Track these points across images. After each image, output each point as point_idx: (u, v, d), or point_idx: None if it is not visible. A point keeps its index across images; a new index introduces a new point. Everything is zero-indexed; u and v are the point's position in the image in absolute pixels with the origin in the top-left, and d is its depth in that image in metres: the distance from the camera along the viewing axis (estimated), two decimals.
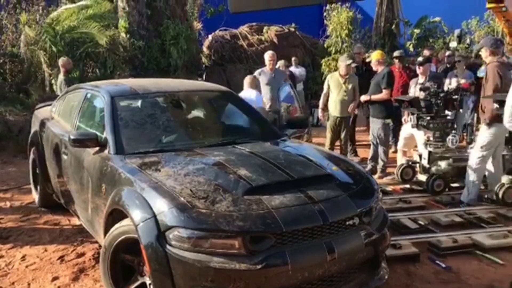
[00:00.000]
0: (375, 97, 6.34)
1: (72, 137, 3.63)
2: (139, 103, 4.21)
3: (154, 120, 4.07)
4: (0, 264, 3.94)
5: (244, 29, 15.69)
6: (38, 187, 5.23)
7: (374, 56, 6.67)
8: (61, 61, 7.71)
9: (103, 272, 3.14)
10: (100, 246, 4.12)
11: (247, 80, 6.62)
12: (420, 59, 6.41)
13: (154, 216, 2.78)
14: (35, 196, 5.42)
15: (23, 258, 4.05)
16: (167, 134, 3.96)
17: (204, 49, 15.01)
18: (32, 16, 10.60)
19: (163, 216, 2.76)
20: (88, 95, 4.41)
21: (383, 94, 6.32)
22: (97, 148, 3.67)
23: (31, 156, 5.35)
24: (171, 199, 2.82)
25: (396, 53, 7.88)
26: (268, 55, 6.97)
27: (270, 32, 15.58)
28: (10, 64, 10.02)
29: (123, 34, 10.89)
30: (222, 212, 2.72)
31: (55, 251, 4.16)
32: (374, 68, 6.60)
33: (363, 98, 6.49)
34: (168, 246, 2.70)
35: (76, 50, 9.72)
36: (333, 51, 13.95)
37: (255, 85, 6.58)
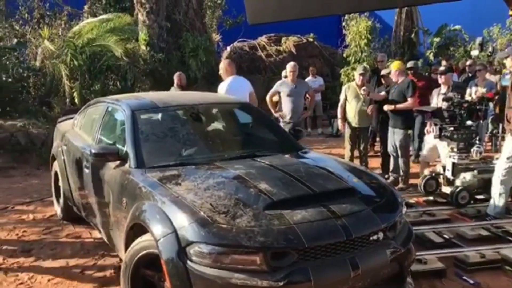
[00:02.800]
0: (400, 106, 6.23)
1: (93, 151, 3.65)
2: (159, 116, 4.22)
3: (174, 134, 4.08)
4: (23, 277, 3.97)
5: (262, 40, 15.75)
6: (60, 200, 5.27)
7: (395, 66, 6.58)
8: (175, 75, 8.03)
9: (123, 287, 3.12)
10: (120, 260, 4.12)
11: (226, 66, 5.94)
12: (442, 68, 6.30)
13: (175, 231, 2.76)
14: (57, 208, 5.47)
15: (46, 271, 4.06)
16: (187, 147, 3.95)
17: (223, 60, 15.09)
18: (55, 30, 10.82)
19: (183, 231, 2.73)
20: (109, 109, 4.44)
21: (410, 103, 6.20)
22: (118, 162, 3.68)
23: (53, 169, 5.40)
24: (192, 213, 2.79)
25: (409, 64, 7.72)
26: (289, 67, 6.94)
27: (289, 42, 15.60)
28: (33, 77, 10.21)
29: (143, 47, 11.03)
30: (243, 228, 2.68)
31: (76, 265, 4.17)
32: (394, 79, 6.50)
33: (387, 107, 6.38)
34: (189, 262, 2.67)
35: (97, 63, 9.85)
36: (352, 60, 13.90)
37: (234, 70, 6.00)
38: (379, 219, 2.95)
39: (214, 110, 4.55)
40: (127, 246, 3.23)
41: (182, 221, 2.77)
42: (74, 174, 4.67)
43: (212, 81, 12.86)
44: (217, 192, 3.02)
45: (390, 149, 6.59)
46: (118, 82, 10.23)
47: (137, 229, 3.13)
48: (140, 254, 3.01)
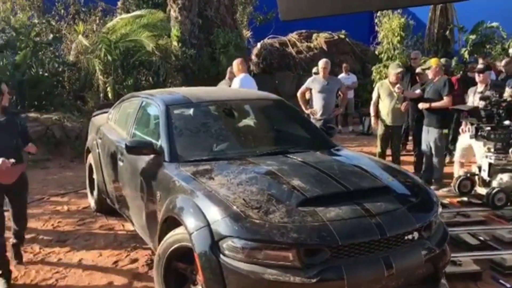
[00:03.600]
0: (436, 104, 6.09)
1: (128, 144, 3.71)
2: (192, 111, 4.26)
3: (207, 129, 4.11)
4: (59, 267, 4.07)
5: (293, 36, 15.67)
6: (94, 192, 5.38)
7: (434, 63, 6.42)
8: (228, 70, 7.98)
9: (156, 279, 3.16)
10: (153, 252, 4.18)
11: (239, 64, 6.45)
12: (480, 66, 6.12)
13: (208, 225, 2.78)
14: (90, 201, 5.58)
15: (80, 262, 4.16)
16: (219, 142, 3.97)
17: (253, 57, 15.10)
18: (89, 26, 11.04)
19: (217, 225, 2.75)
20: (143, 104, 4.50)
21: (446, 101, 6.05)
22: (152, 156, 3.73)
23: (88, 162, 5.51)
24: (225, 208, 2.81)
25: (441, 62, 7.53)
26: (321, 63, 6.90)
27: (320, 39, 15.48)
28: (68, 72, 10.45)
29: (175, 43, 11.13)
30: (276, 223, 2.68)
31: (109, 256, 4.25)
32: (432, 76, 6.35)
33: (422, 105, 6.25)
34: (221, 256, 2.69)
35: (130, 58, 10.00)
36: (385, 58, 13.70)
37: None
38: (414, 218, 2.91)
39: (247, 106, 4.55)
40: (160, 238, 3.27)
41: (215, 215, 2.79)
42: (108, 167, 4.75)
43: None
44: (249, 188, 3.02)
45: (423, 148, 6.46)
46: (150, 78, 10.37)
47: (171, 222, 3.17)
48: (173, 247, 3.05)
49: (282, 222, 2.68)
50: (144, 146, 3.74)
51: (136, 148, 3.71)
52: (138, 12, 10.29)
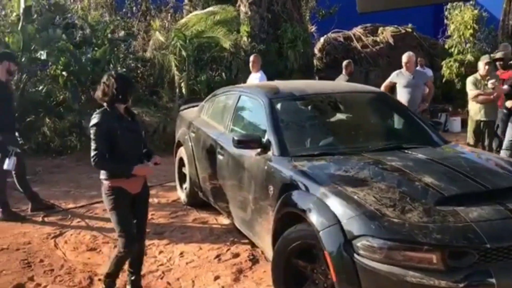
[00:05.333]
0: None
1: (236, 138, 3.66)
2: (296, 105, 4.16)
3: (313, 122, 4.01)
4: (162, 259, 4.09)
5: (357, 30, 15.32)
6: (184, 186, 5.39)
7: None
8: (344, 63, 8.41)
9: (275, 276, 3.08)
10: (253, 247, 4.13)
11: (257, 60, 7.30)
12: None
13: (339, 222, 2.67)
14: (180, 194, 5.59)
15: (181, 254, 4.15)
16: (327, 136, 3.86)
17: (316, 51, 14.88)
18: (161, 22, 11.20)
19: (350, 223, 2.63)
20: (242, 97, 4.45)
21: None
22: (258, 150, 3.66)
23: (178, 155, 5.52)
24: (357, 205, 2.69)
25: (499, 55, 6.97)
26: (405, 57, 6.67)
27: (386, 33, 15.05)
28: (142, 68, 10.64)
29: (244, 38, 11.11)
30: (416, 223, 2.53)
31: (210, 250, 4.22)
32: None
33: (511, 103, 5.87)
34: (356, 255, 2.57)
35: (203, 54, 10.07)
36: (455, 52, 13.16)
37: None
38: None
39: (350, 99, 4.40)
40: (275, 234, 3.20)
41: (347, 212, 2.68)
42: (203, 161, 4.74)
43: (307, 73, 12.72)
44: (377, 185, 2.89)
45: (505, 145, 6.06)
46: (223, 73, 10.39)
47: (288, 218, 3.08)
48: (294, 244, 2.96)
49: (423, 222, 2.54)
50: (252, 139, 3.68)
51: (244, 141, 3.66)
52: (210, 9, 10.33)
